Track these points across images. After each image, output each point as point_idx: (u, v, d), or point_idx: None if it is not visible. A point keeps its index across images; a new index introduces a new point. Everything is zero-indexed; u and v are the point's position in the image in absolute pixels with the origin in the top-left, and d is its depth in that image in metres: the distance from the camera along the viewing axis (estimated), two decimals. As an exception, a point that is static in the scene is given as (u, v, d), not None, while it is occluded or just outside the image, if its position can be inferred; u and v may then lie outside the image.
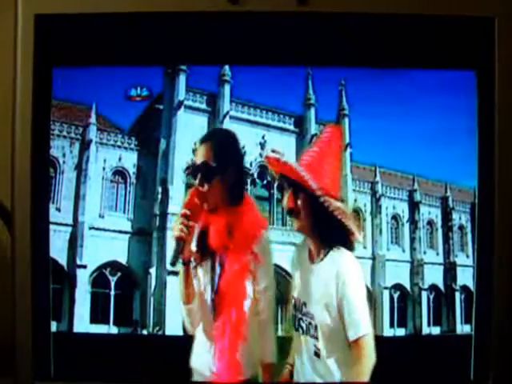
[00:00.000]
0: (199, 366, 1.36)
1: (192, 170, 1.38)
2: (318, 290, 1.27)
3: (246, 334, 1.32)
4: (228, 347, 1.31)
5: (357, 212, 1.95)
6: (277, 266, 1.57)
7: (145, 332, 1.58)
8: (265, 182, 1.86)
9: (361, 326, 1.22)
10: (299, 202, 1.28)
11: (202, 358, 1.35)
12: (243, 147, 1.68)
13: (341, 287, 1.22)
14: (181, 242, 1.27)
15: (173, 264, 1.30)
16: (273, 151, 1.33)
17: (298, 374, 1.33)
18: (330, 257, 1.27)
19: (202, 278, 1.35)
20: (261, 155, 1.77)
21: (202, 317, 1.35)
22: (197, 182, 1.32)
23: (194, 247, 1.34)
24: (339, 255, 1.27)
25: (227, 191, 1.34)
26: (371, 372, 1.24)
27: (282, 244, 1.51)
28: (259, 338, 1.35)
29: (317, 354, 1.28)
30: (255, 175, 1.84)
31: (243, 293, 1.33)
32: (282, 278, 1.52)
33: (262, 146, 1.77)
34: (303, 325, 1.30)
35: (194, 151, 1.40)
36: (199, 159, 1.33)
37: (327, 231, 1.28)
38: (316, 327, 1.27)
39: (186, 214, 1.28)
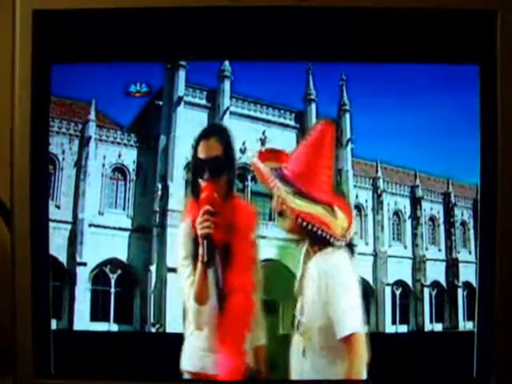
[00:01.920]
0: (197, 368, 1.36)
1: (199, 164, 1.37)
2: (308, 288, 1.27)
3: (251, 323, 1.34)
4: (236, 339, 1.33)
5: (358, 208, 1.94)
6: (271, 260, 1.57)
7: (153, 330, 1.58)
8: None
9: (348, 324, 1.21)
10: (284, 206, 1.29)
11: (201, 359, 1.35)
12: (244, 143, 1.67)
13: (327, 286, 1.22)
14: (210, 239, 1.27)
15: (208, 263, 1.29)
16: (260, 155, 1.35)
17: (292, 373, 1.33)
18: (318, 255, 1.27)
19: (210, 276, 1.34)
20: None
21: (210, 317, 1.33)
22: (206, 176, 1.33)
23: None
24: (328, 253, 1.27)
25: (227, 184, 1.36)
26: (371, 369, 1.24)
27: (284, 241, 1.50)
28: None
29: (304, 353, 1.27)
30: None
31: (251, 281, 1.36)
32: (282, 273, 1.52)
33: (263, 141, 1.76)
34: (296, 322, 1.30)
35: (194, 146, 1.39)
36: (207, 154, 1.34)
37: (310, 233, 1.27)
38: (304, 325, 1.27)
39: (209, 210, 1.28)
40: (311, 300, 1.26)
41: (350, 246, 1.31)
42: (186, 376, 1.37)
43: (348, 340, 1.20)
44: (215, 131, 1.43)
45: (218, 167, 1.34)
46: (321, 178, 1.30)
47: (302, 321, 1.28)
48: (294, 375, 1.31)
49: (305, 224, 1.25)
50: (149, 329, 1.59)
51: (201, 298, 1.31)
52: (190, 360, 1.37)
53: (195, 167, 1.39)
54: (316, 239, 1.27)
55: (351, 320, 1.21)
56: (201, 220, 1.28)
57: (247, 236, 1.38)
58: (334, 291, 1.22)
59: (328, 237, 1.26)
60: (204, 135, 1.39)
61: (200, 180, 1.36)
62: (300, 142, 1.43)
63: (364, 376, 1.24)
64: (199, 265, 1.30)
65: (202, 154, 1.37)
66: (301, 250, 1.35)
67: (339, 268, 1.25)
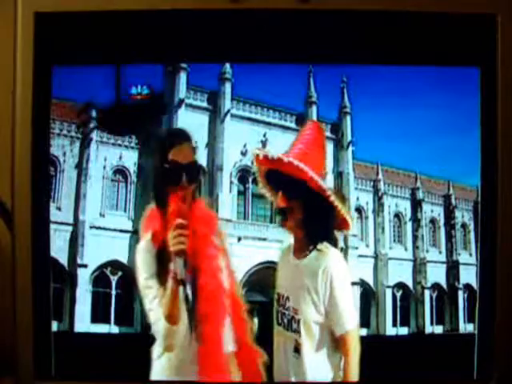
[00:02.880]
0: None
1: (173, 169, 1.24)
2: (304, 285, 1.26)
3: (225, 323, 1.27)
4: (216, 346, 1.28)
5: (359, 210, 1.94)
6: (271, 262, 1.57)
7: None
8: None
9: (348, 320, 1.22)
10: (292, 200, 1.27)
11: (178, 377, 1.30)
12: (245, 145, 1.67)
13: (328, 283, 1.23)
14: (183, 256, 1.16)
15: (183, 281, 1.16)
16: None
17: (277, 371, 1.31)
18: (315, 252, 1.27)
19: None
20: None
21: (182, 337, 1.22)
22: (182, 182, 1.22)
23: None
24: (325, 251, 1.27)
25: (195, 192, 1.27)
26: (372, 371, 1.24)
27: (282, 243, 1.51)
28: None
29: (297, 350, 1.27)
30: (256, 174, 1.83)
31: (222, 287, 1.27)
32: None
33: (264, 144, 1.76)
34: (285, 319, 1.30)
35: (165, 152, 1.25)
36: (184, 159, 1.24)
37: (316, 226, 1.27)
38: (299, 322, 1.27)
39: (181, 224, 1.16)
40: (311, 298, 1.25)
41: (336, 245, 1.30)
42: None
43: (345, 336, 1.22)
44: (186, 136, 1.33)
45: (194, 173, 1.24)
46: (321, 170, 1.29)
47: (296, 318, 1.28)
48: (280, 375, 1.31)
49: (333, 206, 1.25)
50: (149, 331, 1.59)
51: (173, 318, 1.20)
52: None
53: (169, 173, 1.24)
54: (319, 234, 1.27)
55: (349, 317, 1.23)
56: (174, 235, 1.16)
57: (207, 241, 1.27)
58: (337, 291, 1.23)
59: (348, 220, 1.27)
60: (176, 140, 1.27)
61: (169, 187, 1.23)
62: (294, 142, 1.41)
63: (357, 370, 1.24)
64: (170, 282, 1.18)
65: (177, 158, 1.24)
66: (285, 249, 1.35)
67: (339, 266, 1.26)
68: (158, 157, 1.25)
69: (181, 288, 1.18)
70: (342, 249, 1.34)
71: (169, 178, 1.23)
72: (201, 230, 1.25)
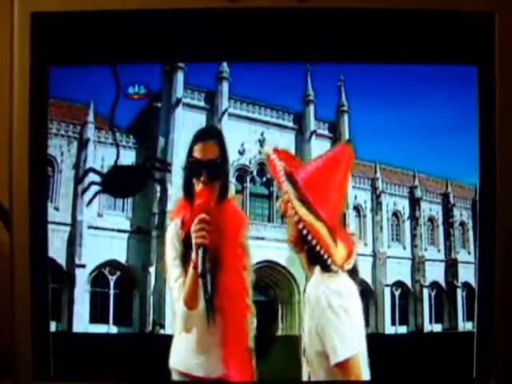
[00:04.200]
0: (182, 367, 1.36)
1: (196, 165, 1.36)
2: (305, 311, 1.24)
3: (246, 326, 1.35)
4: (239, 343, 1.33)
5: (357, 209, 1.94)
6: (275, 263, 1.57)
7: (163, 331, 1.57)
8: (264, 179, 1.85)
9: (339, 351, 1.15)
10: (289, 209, 1.25)
11: (187, 360, 1.35)
12: (242, 144, 1.67)
13: (320, 313, 1.17)
14: (204, 249, 1.25)
15: (203, 275, 1.26)
16: (275, 150, 1.33)
17: None
18: (314, 277, 1.23)
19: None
20: (260, 152, 1.76)
21: (198, 321, 1.33)
22: (202, 179, 1.32)
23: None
24: (322, 276, 1.22)
25: (221, 189, 1.36)
26: (371, 370, 1.24)
27: (280, 242, 1.50)
28: None
29: (309, 378, 1.26)
30: (254, 173, 1.83)
31: (243, 286, 1.35)
32: (281, 275, 1.52)
33: (261, 143, 1.76)
34: (302, 346, 1.27)
35: (191, 146, 1.38)
36: (205, 155, 1.34)
37: (307, 249, 1.23)
38: (304, 350, 1.25)
39: (205, 218, 1.27)
40: (308, 326, 1.22)
41: (353, 272, 1.25)
42: (175, 374, 1.37)
43: (343, 365, 1.16)
44: (212, 133, 1.43)
45: (215, 170, 1.34)
46: (330, 199, 1.24)
47: (305, 346, 1.25)
48: None
49: (305, 232, 1.20)
50: (148, 330, 1.59)
51: (191, 303, 1.30)
52: (178, 359, 1.37)
53: (191, 167, 1.37)
54: (313, 258, 1.23)
55: (345, 346, 1.16)
56: (196, 228, 1.27)
57: (236, 241, 1.36)
58: (327, 318, 1.16)
59: (326, 258, 1.20)
60: (201, 136, 1.39)
61: (195, 181, 1.35)
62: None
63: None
64: (191, 270, 1.29)
65: (199, 155, 1.36)
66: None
67: (334, 294, 1.18)
68: (186, 152, 1.38)
69: (200, 279, 1.26)
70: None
71: (192, 173, 1.33)
72: (228, 229, 1.33)
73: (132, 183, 1.54)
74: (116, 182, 1.51)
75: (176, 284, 1.33)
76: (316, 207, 1.22)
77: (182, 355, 1.36)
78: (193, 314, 1.31)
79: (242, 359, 1.34)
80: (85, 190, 1.51)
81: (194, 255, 1.27)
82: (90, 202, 1.52)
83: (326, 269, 1.21)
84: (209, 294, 1.30)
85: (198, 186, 1.33)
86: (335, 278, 1.22)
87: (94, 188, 1.51)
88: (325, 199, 1.24)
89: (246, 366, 1.35)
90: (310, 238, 1.20)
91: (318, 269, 1.22)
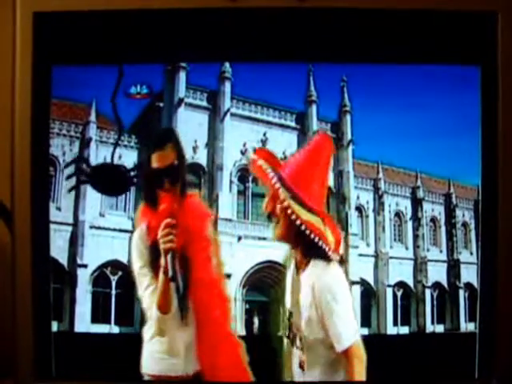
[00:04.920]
0: (154, 371, 1.36)
1: (155, 174, 1.35)
2: (302, 301, 1.25)
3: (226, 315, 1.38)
4: (218, 335, 1.35)
5: (359, 209, 1.94)
6: (277, 263, 1.56)
7: None
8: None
9: (344, 338, 1.20)
10: (277, 209, 1.27)
11: (160, 362, 1.35)
12: (244, 144, 1.67)
13: (322, 300, 1.21)
14: (173, 253, 1.27)
15: (174, 278, 1.29)
16: (259, 153, 1.34)
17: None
18: (311, 268, 1.25)
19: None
20: (242, 159, 1.76)
21: (172, 323, 1.33)
22: (165, 186, 1.33)
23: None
24: (320, 267, 1.25)
25: (182, 188, 1.36)
26: (373, 371, 1.24)
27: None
28: None
29: (301, 366, 1.27)
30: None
31: (216, 277, 1.37)
32: (283, 275, 1.51)
33: (264, 143, 1.76)
34: (291, 335, 1.30)
35: (148, 156, 1.37)
36: (163, 163, 1.33)
37: (304, 243, 1.26)
38: (301, 339, 1.26)
39: (171, 223, 1.28)
40: (308, 315, 1.24)
41: (342, 262, 1.29)
42: (147, 378, 1.37)
43: (348, 351, 1.20)
44: (166, 137, 1.41)
45: (175, 174, 1.34)
46: (314, 190, 1.28)
47: (300, 335, 1.27)
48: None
49: (303, 228, 1.22)
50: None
51: (164, 308, 1.31)
52: (149, 364, 1.37)
53: (152, 177, 1.36)
54: (310, 250, 1.25)
55: (348, 332, 1.21)
56: (163, 234, 1.28)
57: (201, 235, 1.37)
58: (330, 306, 1.20)
59: (324, 248, 1.24)
60: (158, 144, 1.37)
61: (155, 189, 1.35)
62: (298, 150, 1.42)
63: (364, 377, 1.24)
64: (161, 275, 1.30)
65: (157, 164, 1.35)
66: (290, 260, 1.35)
67: (334, 282, 1.23)
68: (144, 162, 1.37)
69: (171, 283, 1.28)
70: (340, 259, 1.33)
71: (153, 182, 1.33)
72: (193, 225, 1.34)
73: (116, 183, 1.54)
74: (102, 178, 1.51)
75: (146, 292, 1.34)
76: (305, 200, 1.25)
77: (156, 358, 1.36)
78: (167, 318, 1.32)
79: (221, 352, 1.36)
80: (71, 176, 1.51)
81: (163, 260, 1.28)
82: (71, 189, 1.52)
83: (324, 258, 1.24)
84: (181, 294, 1.31)
85: (161, 193, 1.33)
86: (332, 267, 1.25)
87: (80, 178, 1.51)
88: (310, 190, 1.27)
89: (227, 359, 1.36)
90: (308, 232, 1.23)
91: (315, 260, 1.25)
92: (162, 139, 1.39)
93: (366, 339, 1.26)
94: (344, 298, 1.23)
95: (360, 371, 1.21)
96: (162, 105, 1.69)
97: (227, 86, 1.69)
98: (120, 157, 1.68)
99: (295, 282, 1.30)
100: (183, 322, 1.33)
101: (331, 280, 1.23)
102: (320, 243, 1.23)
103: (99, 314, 1.58)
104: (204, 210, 1.44)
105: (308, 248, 1.25)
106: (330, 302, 1.20)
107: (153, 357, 1.36)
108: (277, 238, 1.31)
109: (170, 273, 1.27)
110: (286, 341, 1.33)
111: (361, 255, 1.78)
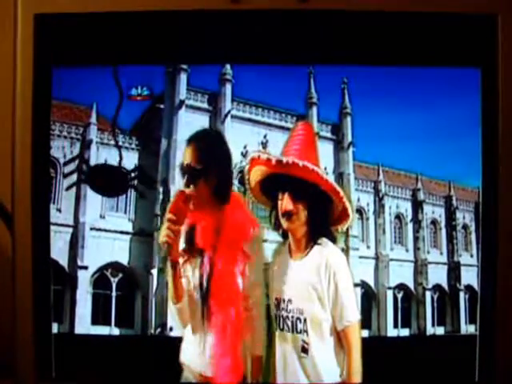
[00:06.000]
0: (192, 364, 1.37)
1: (180, 171, 1.37)
2: (307, 282, 1.28)
3: (243, 331, 1.32)
4: (230, 347, 1.31)
5: (360, 211, 1.94)
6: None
7: (170, 334, 1.57)
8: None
9: (348, 314, 1.26)
10: (298, 201, 1.30)
11: (195, 357, 1.35)
12: (245, 146, 1.67)
13: (331, 276, 1.26)
14: (167, 247, 1.30)
15: (162, 270, 1.33)
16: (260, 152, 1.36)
17: (282, 375, 1.32)
18: (315, 250, 1.30)
19: (190, 276, 1.35)
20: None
21: (191, 316, 1.35)
22: (183, 182, 1.33)
23: (181, 246, 1.35)
24: (325, 247, 1.30)
25: (213, 191, 1.34)
26: (373, 373, 1.24)
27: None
28: (250, 332, 1.34)
29: (304, 350, 1.28)
30: (250, 178, 1.83)
31: (237, 291, 1.33)
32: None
33: (264, 145, 1.76)
34: (289, 322, 1.30)
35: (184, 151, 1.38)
36: (185, 161, 1.34)
37: (319, 225, 1.31)
38: (305, 320, 1.28)
39: (171, 218, 1.30)
40: (314, 293, 1.27)
41: (346, 250, 1.35)
42: (185, 369, 1.37)
43: (345, 331, 1.26)
44: (196, 138, 1.38)
45: (190, 175, 1.33)
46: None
47: (301, 317, 1.29)
48: (286, 378, 1.32)
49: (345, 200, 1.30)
50: (150, 332, 1.59)
51: (173, 298, 1.35)
52: (184, 354, 1.38)
53: (181, 171, 1.38)
54: (319, 233, 1.31)
55: (350, 312, 1.26)
56: (162, 228, 1.31)
57: (237, 245, 1.34)
58: (339, 282, 1.26)
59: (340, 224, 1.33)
60: (187, 141, 1.37)
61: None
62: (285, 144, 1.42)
63: (360, 369, 1.26)
64: (169, 267, 1.34)
65: (184, 159, 1.35)
66: (279, 252, 1.38)
67: (340, 260, 1.29)
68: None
69: (181, 269, 1.34)
70: (342, 249, 1.35)
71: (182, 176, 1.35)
72: (229, 233, 1.34)
73: (115, 185, 1.54)
74: (100, 179, 1.51)
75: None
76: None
77: (194, 357, 1.36)
78: (180, 308, 1.35)
79: (231, 367, 1.34)
80: (70, 173, 1.51)
81: (163, 252, 1.33)
82: (69, 187, 1.52)
83: (330, 237, 1.32)
84: (203, 292, 1.32)
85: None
86: (338, 247, 1.32)
87: (79, 177, 1.51)
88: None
89: (235, 373, 1.34)
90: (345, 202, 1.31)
91: (322, 240, 1.30)
92: (190, 138, 1.38)
93: (366, 341, 1.26)
94: (350, 278, 1.29)
95: (356, 354, 1.25)
96: (162, 107, 1.69)
97: (228, 88, 1.69)
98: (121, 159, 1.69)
99: (294, 267, 1.33)
100: (203, 319, 1.34)
101: (340, 259, 1.30)
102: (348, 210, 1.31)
103: (99, 315, 1.58)
104: (244, 223, 1.39)
105: (318, 230, 1.31)
106: (340, 279, 1.26)
107: (186, 348, 1.38)
108: (289, 230, 1.34)
109: (159, 265, 1.36)
110: (278, 331, 1.33)
111: (361, 257, 1.78)
